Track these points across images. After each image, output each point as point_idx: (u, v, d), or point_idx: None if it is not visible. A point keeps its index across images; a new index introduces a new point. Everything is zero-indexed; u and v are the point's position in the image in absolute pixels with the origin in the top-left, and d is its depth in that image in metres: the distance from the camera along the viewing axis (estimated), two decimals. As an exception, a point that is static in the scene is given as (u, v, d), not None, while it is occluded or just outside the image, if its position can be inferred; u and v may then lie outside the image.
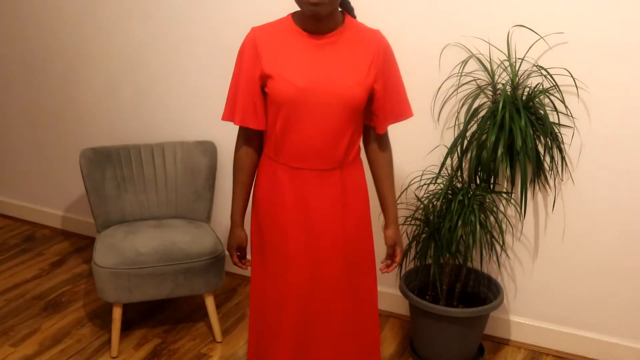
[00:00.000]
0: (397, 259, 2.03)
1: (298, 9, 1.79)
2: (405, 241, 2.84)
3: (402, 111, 1.91)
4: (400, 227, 2.84)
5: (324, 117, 1.77)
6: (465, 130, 2.47)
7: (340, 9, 1.84)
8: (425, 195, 2.59)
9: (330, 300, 1.94)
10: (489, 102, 2.51)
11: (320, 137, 1.79)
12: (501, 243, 2.61)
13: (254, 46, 1.79)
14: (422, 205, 2.58)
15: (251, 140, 1.93)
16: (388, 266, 2.05)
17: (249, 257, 2.75)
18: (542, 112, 2.38)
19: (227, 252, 2.27)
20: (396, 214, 2.02)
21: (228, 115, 1.87)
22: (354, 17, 1.93)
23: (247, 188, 1.99)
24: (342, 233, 1.90)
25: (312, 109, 1.76)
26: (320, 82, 1.75)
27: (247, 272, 3.31)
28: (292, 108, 1.77)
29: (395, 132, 2.74)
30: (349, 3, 1.91)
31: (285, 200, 1.87)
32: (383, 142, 1.96)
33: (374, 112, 1.87)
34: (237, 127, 2.18)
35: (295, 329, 1.95)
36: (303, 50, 1.77)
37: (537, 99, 2.40)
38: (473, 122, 2.50)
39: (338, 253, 1.91)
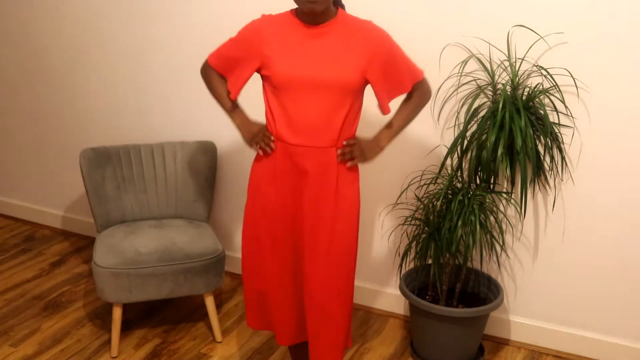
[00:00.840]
0: (351, 154, 2.07)
1: (296, 6, 2.00)
2: (405, 241, 2.84)
3: (403, 88, 2.08)
4: (400, 227, 2.85)
5: (317, 96, 1.96)
6: (465, 130, 2.47)
7: (334, 5, 2.03)
8: (425, 195, 2.59)
9: (315, 281, 2.10)
10: (489, 102, 2.51)
11: (315, 115, 1.97)
12: (501, 243, 2.61)
13: (259, 29, 2.02)
14: (422, 205, 2.57)
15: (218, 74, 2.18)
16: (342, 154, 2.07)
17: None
18: (542, 112, 2.38)
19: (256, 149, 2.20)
20: (383, 141, 2.13)
21: (211, 55, 2.17)
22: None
23: (225, 88, 2.17)
24: (333, 209, 2.05)
25: (305, 89, 1.95)
26: (314, 65, 1.95)
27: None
28: (289, 88, 1.97)
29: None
30: (340, 0, 2.10)
31: (284, 175, 2.06)
32: (412, 94, 2.13)
33: (375, 94, 2.04)
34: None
35: (294, 300, 2.20)
36: (299, 38, 1.97)
37: (537, 99, 2.40)
38: (473, 122, 2.50)
39: (323, 227, 2.06)
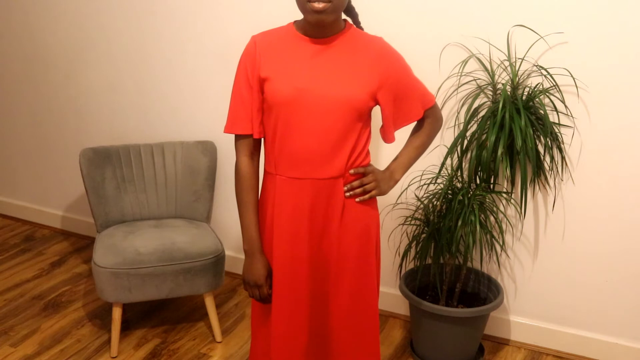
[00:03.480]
0: (362, 189, 1.82)
1: (299, 14, 1.74)
2: (405, 241, 2.84)
3: (413, 115, 1.89)
4: (400, 227, 2.84)
5: (323, 119, 1.72)
6: (465, 130, 2.47)
7: (343, 18, 1.81)
8: (425, 195, 2.59)
9: (328, 317, 1.91)
10: (489, 102, 2.51)
11: (320, 141, 1.73)
12: (501, 243, 2.61)
13: (254, 53, 1.77)
14: (422, 205, 2.57)
15: (253, 155, 1.86)
16: (351, 189, 1.82)
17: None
18: (542, 112, 2.38)
19: (247, 286, 1.92)
20: (398, 174, 1.93)
21: (226, 126, 1.85)
22: (359, 22, 1.93)
23: (256, 206, 1.86)
24: (337, 247, 1.83)
25: (310, 110, 1.71)
26: (320, 82, 1.71)
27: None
28: (290, 110, 1.72)
29: (395, 132, 2.74)
30: (354, 9, 1.91)
31: (285, 213, 1.80)
32: (424, 121, 1.93)
33: (382, 119, 1.84)
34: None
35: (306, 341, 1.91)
36: (303, 53, 1.74)
37: (537, 99, 2.40)
38: (473, 122, 2.50)
39: (333, 271, 1.85)
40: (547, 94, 2.43)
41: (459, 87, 2.58)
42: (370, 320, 1.94)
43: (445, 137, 2.67)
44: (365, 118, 1.78)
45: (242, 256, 3.37)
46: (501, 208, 2.65)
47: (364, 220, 1.85)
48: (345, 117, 1.73)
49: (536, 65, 2.44)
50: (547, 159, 2.49)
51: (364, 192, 1.83)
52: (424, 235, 2.54)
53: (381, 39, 1.83)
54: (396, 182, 1.93)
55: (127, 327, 2.87)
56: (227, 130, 1.84)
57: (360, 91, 1.73)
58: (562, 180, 2.55)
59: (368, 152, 1.86)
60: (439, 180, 2.59)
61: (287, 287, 1.85)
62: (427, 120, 1.93)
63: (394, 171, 1.92)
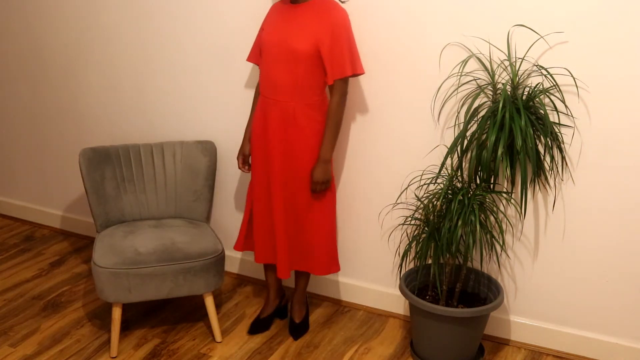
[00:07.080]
0: (311, 188, 2.60)
1: None
2: (405, 241, 2.84)
3: (344, 69, 2.46)
4: (400, 227, 2.84)
5: (286, 60, 2.45)
6: (465, 130, 2.47)
7: None
8: (425, 195, 2.59)
9: (276, 201, 2.61)
10: (489, 102, 2.51)
11: (281, 76, 2.47)
12: (501, 243, 2.61)
13: (268, 13, 2.59)
14: (422, 205, 2.57)
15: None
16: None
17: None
18: (542, 112, 2.37)
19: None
20: (325, 155, 2.54)
21: (248, 57, 2.72)
22: None
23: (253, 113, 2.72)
24: (283, 150, 2.55)
25: (278, 53, 2.46)
26: (282, 36, 2.45)
27: (247, 272, 3.31)
28: (269, 51, 2.49)
29: (396, 132, 2.74)
30: None
31: (258, 123, 2.60)
32: (332, 93, 2.53)
33: (324, 66, 2.46)
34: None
35: (262, 220, 2.69)
36: (282, 13, 2.50)
37: (537, 99, 2.39)
38: (473, 121, 2.49)
39: (280, 168, 2.57)
40: (547, 93, 2.43)
41: (459, 87, 2.58)
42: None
43: (445, 137, 2.67)
44: (315, 62, 2.44)
45: (242, 256, 3.40)
46: (501, 208, 2.65)
47: (311, 136, 2.55)
48: (294, 61, 2.43)
49: (536, 65, 2.43)
50: (547, 158, 2.49)
51: (321, 190, 2.59)
52: (424, 235, 2.54)
53: (337, 4, 2.46)
54: (327, 162, 2.55)
55: (126, 327, 2.87)
56: (248, 59, 2.72)
57: (303, 44, 2.41)
58: (562, 180, 2.55)
59: (324, 91, 2.55)
60: (439, 180, 2.58)
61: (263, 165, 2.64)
62: (333, 98, 2.51)
63: (322, 157, 2.53)
